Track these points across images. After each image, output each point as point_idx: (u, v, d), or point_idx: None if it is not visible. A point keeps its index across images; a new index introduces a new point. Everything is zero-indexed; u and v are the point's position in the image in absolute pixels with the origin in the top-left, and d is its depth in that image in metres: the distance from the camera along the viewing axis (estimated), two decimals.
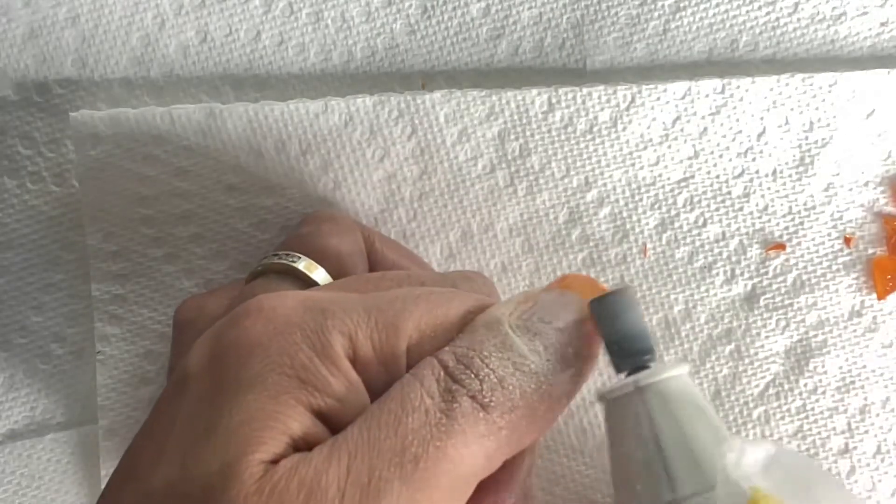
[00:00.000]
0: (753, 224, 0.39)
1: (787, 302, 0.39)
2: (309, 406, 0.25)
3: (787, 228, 0.39)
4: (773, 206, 0.39)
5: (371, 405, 0.26)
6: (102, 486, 0.38)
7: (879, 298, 0.39)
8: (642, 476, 0.28)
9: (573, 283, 0.29)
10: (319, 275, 0.32)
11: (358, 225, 0.36)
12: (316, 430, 0.25)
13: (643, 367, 0.28)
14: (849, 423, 0.39)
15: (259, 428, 0.24)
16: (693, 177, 0.39)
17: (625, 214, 0.39)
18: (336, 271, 0.33)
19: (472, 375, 0.26)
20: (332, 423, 0.26)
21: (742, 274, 0.39)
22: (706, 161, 0.39)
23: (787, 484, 0.28)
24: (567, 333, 0.28)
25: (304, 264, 0.33)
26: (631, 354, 0.28)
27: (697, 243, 0.39)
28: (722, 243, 0.39)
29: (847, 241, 0.39)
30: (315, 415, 0.25)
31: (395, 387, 0.26)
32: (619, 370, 0.28)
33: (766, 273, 0.39)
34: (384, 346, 0.27)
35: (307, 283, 0.32)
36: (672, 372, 0.28)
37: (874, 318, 0.39)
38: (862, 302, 0.39)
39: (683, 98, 0.38)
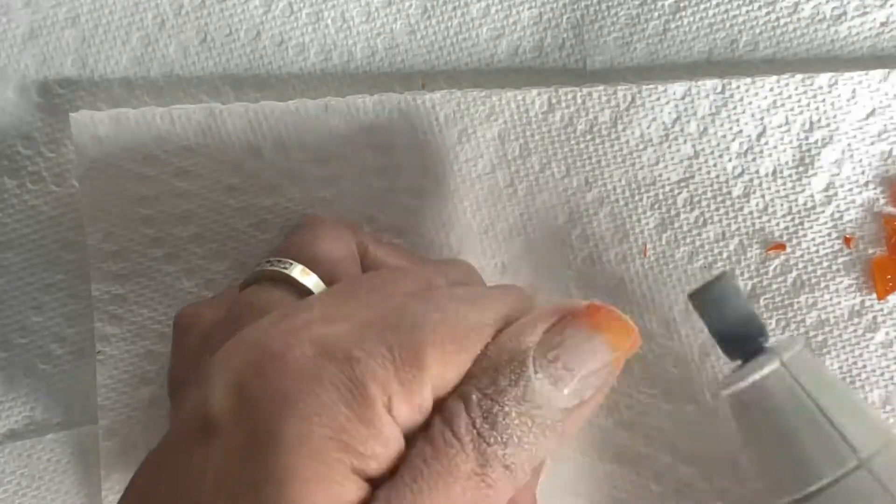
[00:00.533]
0: (753, 224, 0.39)
1: (787, 302, 0.39)
2: (352, 468, 0.25)
3: (787, 228, 0.39)
4: (773, 206, 0.39)
5: (416, 460, 0.26)
6: (103, 487, 0.38)
7: (879, 298, 0.39)
8: (813, 449, 0.27)
9: (603, 322, 0.28)
10: (312, 281, 0.32)
11: (350, 229, 0.36)
12: (363, 493, 0.25)
13: (760, 348, 0.27)
14: None
15: (315, 498, 0.25)
16: (693, 177, 0.39)
17: (625, 214, 0.39)
18: (329, 277, 0.33)
19: (498, 437, 0.26)
20: (372, 476, 0.26)
21: (742, 274, 0.39)
22: (706, 161, 0.39)
23: None
24: (590, 379, 0.28)
25: (297, 271, 0.32)
26: (746, 340, 0.27)
27: (697, 243, 0.39)
28: (722, 243, 0.39)
29: (847, 241, 0.39)
30: (358, 475, 0.26)
31: (436, 441, 0.26)
32: (733, 358, 0.28)
33: (766, 273, 0.39)
34: (413, 386, 0.26)
35: (301, 290, 0.32)
36: (801, 340, 0.28)
37: (874, 318, 0.39)
38: (862, 302, 0.39)
39: (683, 98, 0.38)
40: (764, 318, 0.39)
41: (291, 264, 0.33)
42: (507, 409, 0.27)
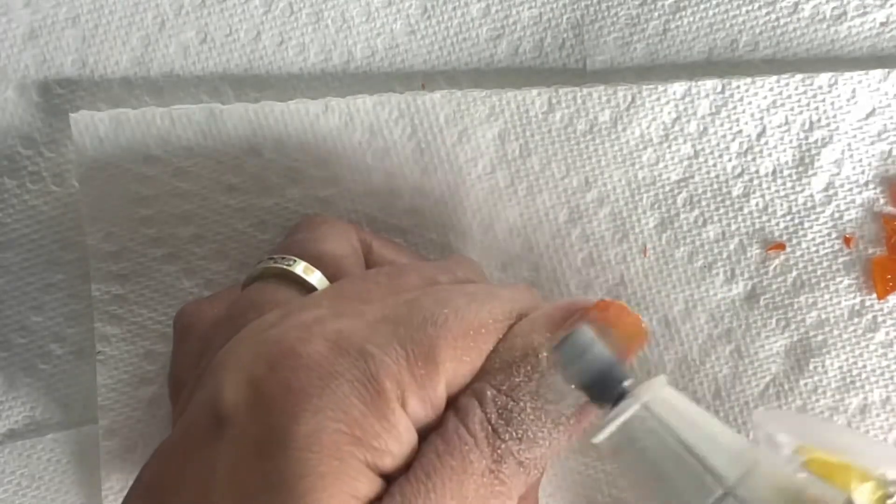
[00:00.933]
0: (753, 224, 0.39)
1: (787, 302, 0.39)
2: (366, 463, 0.25)
3: (787, 228, 0.39)
4: (773, 206, 0.39)
5: (430, 455, 0.26)
6: (103, 487, 0.38)
7: (879, 298, 0.39)
8: (681, 484, 0.28)
9: (613, 317, 0.29)
10: (316, 278, 0.32)
11: (354, 227, 0.36)
12: (377, 488, 0.26)
13: (625, 392, 0.28)
14: (849, 423, 0.39)
15: (330, 493, 0.25)
16: (693, 177, 0.39)
17: (625, 214, 0.39)
18: (332, 274, 0.33)
19: (513, 433, 0.27)
20: (386, 472, 0.26)
21: (742, 274, 0.39)
22: (706, 161, 0.39)
23: (811, 437, 0.28)
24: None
25: (300, 268, 0.32)
26: (612, 385, 0.28)
27: (697, 243, 0.39)
28: (722, 243, 0.39)
29: (847, 241, 0.39)
30: (372, 470, 0.26)
31: (450, 437, 0.26)
32: (601, 404, 0.28)
33: (766, 273, 0.39)
34: (426, 382, 0.27)
35: (305, 287, 0.32)
36: (662, 380, 0.29)
37: (874, 318, 0.39)
38: (862, 302, 0.39)
39: (683, 98, 0.38)
40: (766, 319, 0.39)
41: (295, 261, 0.32)
42: (521, 404, 0.27)
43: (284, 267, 0.32)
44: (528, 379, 0.27)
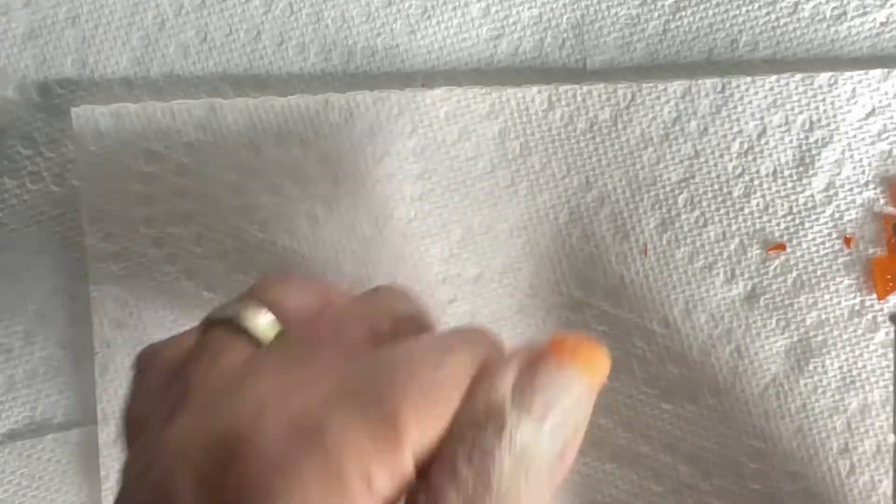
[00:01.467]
0: (753, 224, 0.39)
1: (787, 302, 0.39)
2: None
3: (787, 228, 0.39)
4: (773, 206, 0.39)
5: None
6: (103, 487, 0.38)
7: (879, 298, 0.39)
8: None
9: (568, 353, 0.28)
10: (273, 331, 0.30)
11: (316, 281, 0.34)
12: None
13: None
14: (849, 423, 0.39)
15: None
16: (693, 177, 0.39)
17: (625, 214, 0.39)
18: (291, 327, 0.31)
19: (493, 494, 0.26)
20: None
21: (742, 274, 0.39)
22: (706, 161, 0.39)
23: None
24: (570, 413, 0.27)
25: (258, 320, 0.30)
26: None
27: (698, 243, 0.39)
28: (722, 243, 0.39)
29: (847, 241, 0.39)
30: None
31: None
32: None
33: (766, 273, 0.39)
34: (389, 454, 0.25)
35: (261, 341, 0.30)
36: None
37: (874, 318, 0.39)
38: (862, 302, 0.39)
39: (683, 98, 0.39)
40: (766, 319, 0.39)
41: (254, 313, 0.30)
42: (497, 462, 0.26)
43: (240, 320, 0.30)
44: (498, 437, 0.26)
